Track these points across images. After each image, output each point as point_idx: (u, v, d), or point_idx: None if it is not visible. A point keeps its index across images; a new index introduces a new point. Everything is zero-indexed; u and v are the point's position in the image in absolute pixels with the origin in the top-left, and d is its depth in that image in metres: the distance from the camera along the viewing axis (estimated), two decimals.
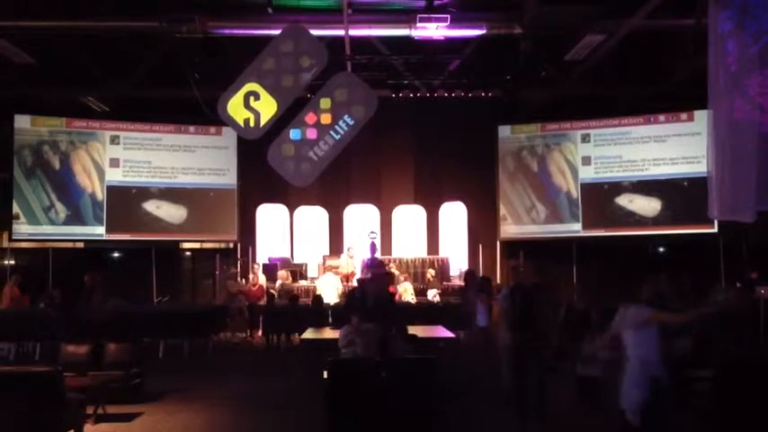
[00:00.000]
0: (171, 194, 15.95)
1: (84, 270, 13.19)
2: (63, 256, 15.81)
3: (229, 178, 16.22)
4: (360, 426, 6.54)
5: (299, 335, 10.80)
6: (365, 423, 6.50)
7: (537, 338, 7.28)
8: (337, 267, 15.42)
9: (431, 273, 15.67)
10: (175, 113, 15.90)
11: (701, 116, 13.83)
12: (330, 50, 10.77)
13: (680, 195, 15.05)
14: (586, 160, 15.99)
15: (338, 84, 10.59)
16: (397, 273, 14.90)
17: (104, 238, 15.59)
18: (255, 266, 15.33)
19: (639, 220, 15.56)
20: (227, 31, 12.66)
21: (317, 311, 12.61)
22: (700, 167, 14.06)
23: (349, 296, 7.88)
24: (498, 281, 16.08)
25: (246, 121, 10.31)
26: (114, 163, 15.67)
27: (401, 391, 6.54)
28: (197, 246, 17.05)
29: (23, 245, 15.63)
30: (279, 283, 14.82)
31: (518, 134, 16.57)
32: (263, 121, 10.26)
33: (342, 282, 14.92)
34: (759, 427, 6.36)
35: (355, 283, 14.33)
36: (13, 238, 15.08)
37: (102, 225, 15.51)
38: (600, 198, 15.86)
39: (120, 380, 8.26)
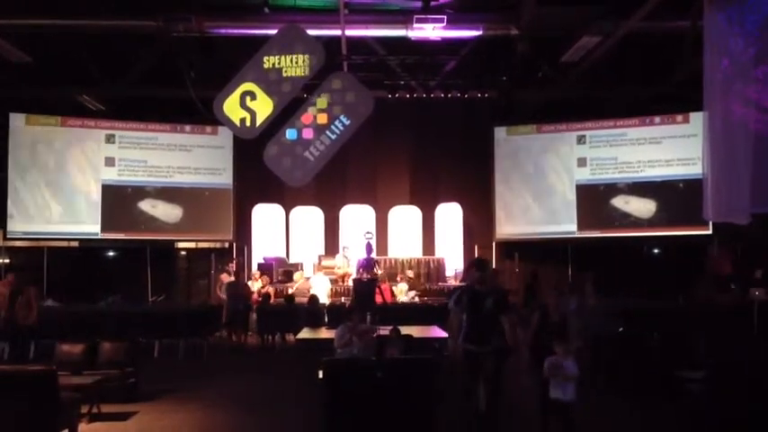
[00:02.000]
0: (166, 194, 15.93)
1: (80, 269, 13.12)
2: (58, 254, 15.78)
3: (225, 178, 16.21)
4: (356, 426, 6.53)
5: (295, 335, 10.76)
6: (361, 423, 6.50)
7: (495, 353, 6.52)
8: (333, 267, 15.43)
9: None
10: (171, 113, 15.90)
11: (697, 118, 13.86)
12: (326, 51, 10.79)
13: (675, 197, 15.09)
14: (582, 161, 16.02)
15: (334, 84, 10.62)
16: (380, 272, 14.74)
17: (99, 237, 15.55)
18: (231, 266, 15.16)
19: (635, 222, 15.59)
20: (223, 31, 12.65)
21: (312, 311, 12.61)
22: (695, 169, 14.12)
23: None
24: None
25: (242, 120, 10.33)
26: (109, 162, 15.64)
27: (397, 391, 6.54)
28: (192, 245, 17.03)
29: (18, 243, 15.58)
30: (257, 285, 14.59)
31: (514, 135, 16.59)
32: (258, 121, 10.28)
33: (337, 282, 14.92)
34: (752, 428, 6.39)
35: (350, 283, 14.34)
36: (8, 236, 15.05)
37: (97, 224, 15.48)
38: (595, 199, 15.89)
39: (115, 379, 8.25)
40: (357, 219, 16.82)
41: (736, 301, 9.54)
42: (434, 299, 14.76)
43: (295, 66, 10.33)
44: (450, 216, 17.06)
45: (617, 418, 7.82)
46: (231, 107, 10.35)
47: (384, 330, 9.08)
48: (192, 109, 14.23)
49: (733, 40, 7.34)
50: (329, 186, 16.54)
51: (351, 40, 12.57)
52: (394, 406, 6.46)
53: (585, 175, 16.00)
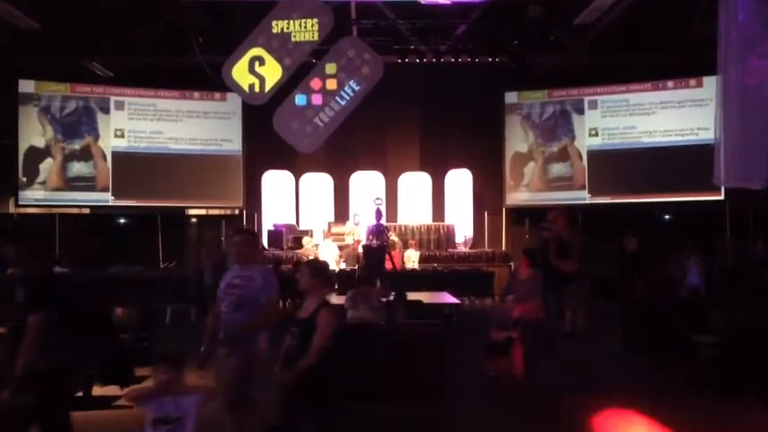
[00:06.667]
0: (176, 160, 15.92)
1: (92, 236, 13.10)
2: (69, 221, 15.85)
3: (235, 144, 16.17)
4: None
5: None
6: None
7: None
8: (342, 234, 15.44)
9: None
10: (180, 79, 15.81)
11: (710, 82, 13.65)
12: (336, 15, 10.67)
13: (687, 162, 14.92)
14: (594, 127, 15.88)
15: (344, 49, 10.53)
16: (396, 239, 14.75)
17: (110, 203, 15.61)
18: None
19: (646, 188, 15.46)
20: None
21: None
22: (708, 134, 13.92)
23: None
24: (504, 249, 16.14)
25: (251, 86, 10.27)
26: (119, 129, 15.63)
27: (407, 356, 6.58)
28: (203, 212, 17.07)
29: (30, 210, 15.66)
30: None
31: (525, 100, 16.44)
32: (268, 87, 10.22)
33: (347, 248, 14.95)
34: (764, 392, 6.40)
35: (360, 250, 14.37)
36: (20, 203, 15.13)
37: (108, 191, 15.52)
38: (607, 165, 15.77)
39: (128, 343, 8.32)
40: (367, 185, 16.81)
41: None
42: (444, 265, 14.83)
43: (304, 30, 10.24)
44: (460, 182, 17.01)
45: (633, 377, 7.85)
46: (240, 73, 10.29)
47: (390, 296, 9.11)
48: (201, 75, 14.13)
49: (749, 2, 7.22)
50: (339, 152, 16.49)
51: (360, 4, 12.44)
52: (404, 370, 6.51)
53: (597, 141, 15.87)
